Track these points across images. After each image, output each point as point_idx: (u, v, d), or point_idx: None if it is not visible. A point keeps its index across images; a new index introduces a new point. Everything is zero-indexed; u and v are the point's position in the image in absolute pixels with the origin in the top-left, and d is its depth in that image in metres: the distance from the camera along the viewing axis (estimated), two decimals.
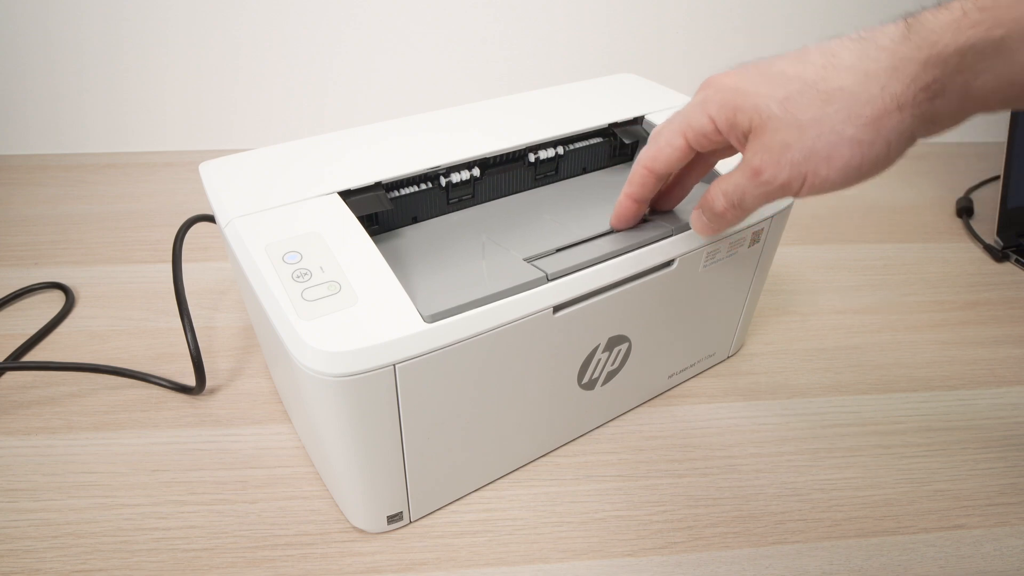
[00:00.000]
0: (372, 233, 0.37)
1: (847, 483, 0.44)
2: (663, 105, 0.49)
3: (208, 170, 0.41)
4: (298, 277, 0.33)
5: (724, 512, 0.42)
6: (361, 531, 0.40)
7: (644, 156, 0.35)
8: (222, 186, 0.39)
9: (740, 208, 0.32)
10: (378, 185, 0.39)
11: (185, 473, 0.43)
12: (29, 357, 0.51)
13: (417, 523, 0.40)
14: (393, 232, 0.41)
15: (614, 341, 0.41)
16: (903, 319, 0.58)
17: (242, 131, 0.81)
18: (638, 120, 0.48)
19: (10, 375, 0.49)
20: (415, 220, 0.42)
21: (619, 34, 0.81)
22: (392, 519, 0.39)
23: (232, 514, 0.40)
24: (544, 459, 0.45)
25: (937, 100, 0.27)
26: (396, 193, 0.40)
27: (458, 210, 0.43)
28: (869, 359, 0.54)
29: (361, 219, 0.37)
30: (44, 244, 0.63)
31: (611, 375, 0.43)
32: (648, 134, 0.48)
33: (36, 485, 0.41)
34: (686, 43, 0.83)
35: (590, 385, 0.43)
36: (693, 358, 0.49)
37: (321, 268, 0.33)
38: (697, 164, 0.38)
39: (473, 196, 0.43)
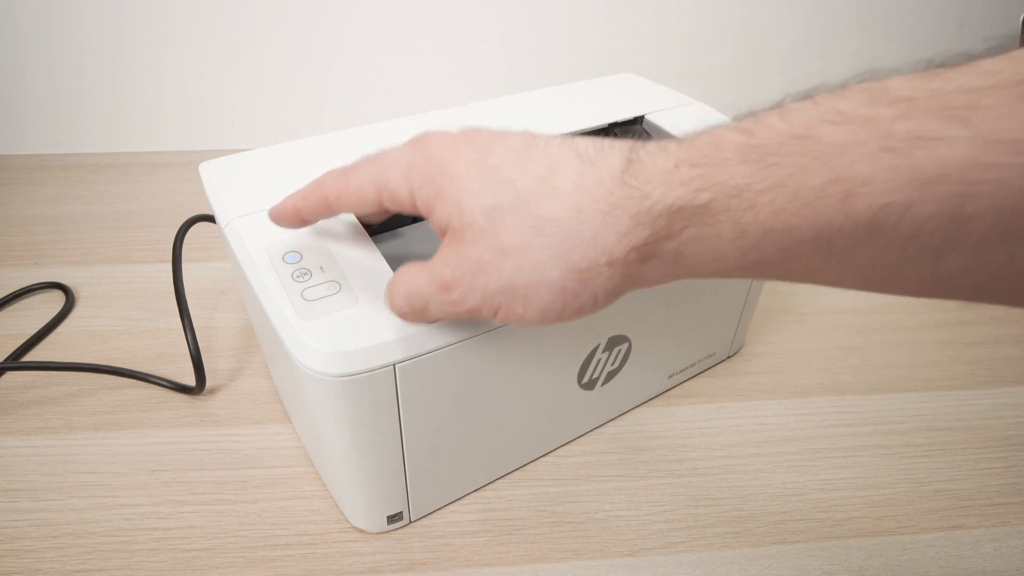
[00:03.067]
0: (372, 233, 0.37)
1: (847, 483, 0.44)
2: (663, 105, 0.49)
3: (208, 170, 0.41)
4: (298, 277, 0.32)
5: (724, 512, 0.42)
6: (361, 531, 0.40)
7: (329, 185, 0.29)
8: (222, 186, 0.39)
9: (422, 315, 0.28)
10: None
11: (185, 473, 0.42)
12: (29, 357, 0.51)
13: (417, 523, 0.40)
14: (393, 232, 0.41)
15: (614, 341, 0.41)
16: (903, 319, 0.58)
17: (242, 131, 0.81)
18: (638, 120, 0.48)
19: (10, 375, 0.49)
20: (415, 220, 0.42)
21: (619, 34, 0.81)
22: (392, 519, 0.39)
23: (232, 514, 0.40)
24: (544, 459, 0.45)
25: (646, 263, 0.24)
26: None
27: None
28: (869, 359, 0.54)
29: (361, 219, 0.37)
30: (44, 244, 0.63)
31: (611, 375, 0.43)
32: (648, 135, 0.48)
33: (36, 485, 0.41)
34: (686, 43, 0.83)
35: (590, 385, 0.43)
36: (693, 358, 0.49)
37: (321, 268, 0.33)
38: None
39: None
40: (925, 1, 0.84)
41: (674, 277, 0.25)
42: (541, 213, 0.24)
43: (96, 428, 0.45)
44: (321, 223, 0.35)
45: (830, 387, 0.51)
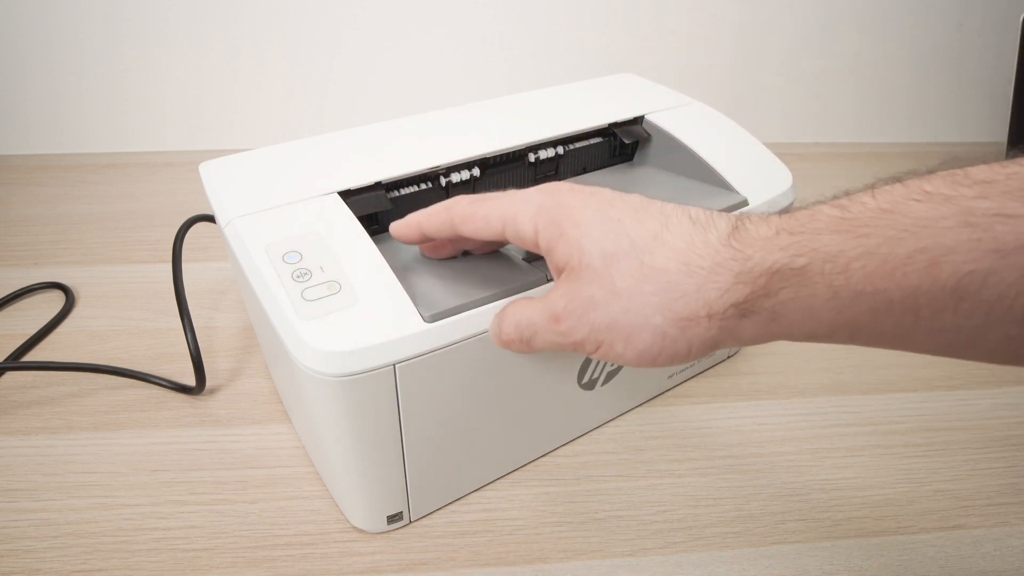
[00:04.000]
0: (372, 233, 0.37)
1: (847, 483, 0.44)
2: (663, 105, 0.49)
3: (208, 170, 0.41)
4: (298, 277, 0.33)
5: (724, 512, 0.42)
6: (361, 531, 0.40)
7: (457, 208, 0.32)
8: (222, 186, 0.39)
9: (528, 345, 0.30)
10: (378, 185, 0.39)
11: (185, 473, 0.43)
12: (29, 357, 0.51)
13: (417, 523, 0.40)
14: None
15: None
16: None
17: (242, 131, 0.81)
18: (638, 120, 0.48)
19: (10, 375, 0.49)
20: None
21: (619, 34, 0.81)
22: (392, 519, 0.39)
23: (232, 514, 0.40)
24: (544, 459, 0.45)
25: (745, 320, 0.26)
26: (396, 193, 0.40)
27: None
28: (869, 359, 0.54)
29: (361, 219, 0.37)
30: (44, 244, 0.63)
31: (611, 375, 0.43)
32: (649, 135, 0.48)
33: (36, 485, 0.41)
34: (686, 43, 0.83)
35: (590, 385, 0.43)
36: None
37: (321, 268, 0.33)
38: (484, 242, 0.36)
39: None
40: (925, 1, 0.84)
41: (769, 336, 0.26)
42: (653, 263, 0.26)
43: (96, 428, 0.45)
44: (321, 223, 0.35)
45: (830, 387, 0.51)
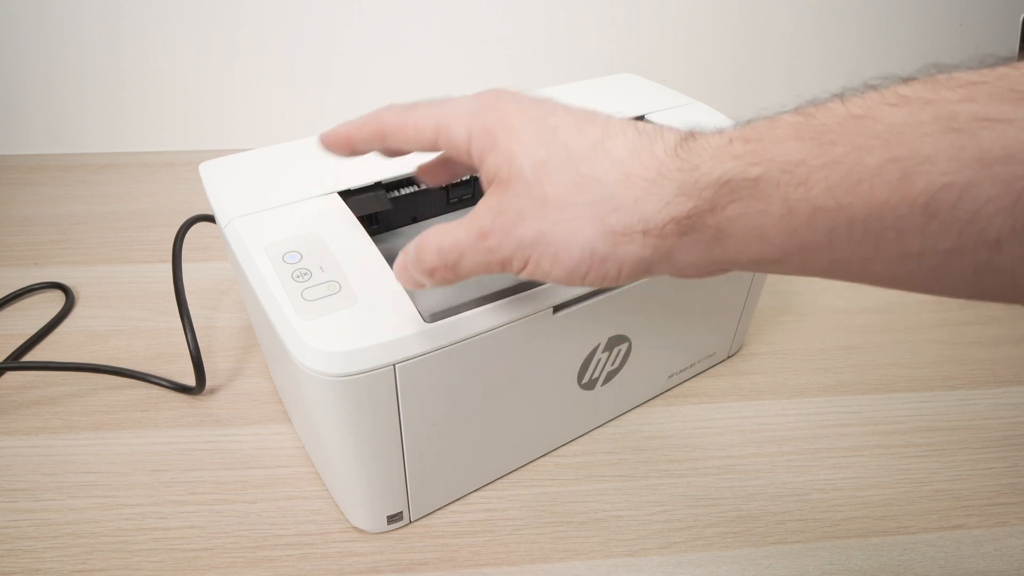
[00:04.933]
0: (372, 233, 0.37)
1: (847, 483, 0.44)
2: (663, 105, 0.49)
3: (208, 170, 0.41)
4: (298, 277, 0.32)
5: (724, 512, 0.42)
6: (361, 531, 0.40)
7: (388, 117, 0.29)
8: (222, 186, 0.39)
9: (453, 271, 0.27)
10: (378, 185, 0.39)
11: (185, 473, 0.43)
12: (29, 357, 0.51)
13: (417, 523, 0.40)
14: (393, 232, 0.41)
15: (614, 341, 0.41)
16: (903, 319, 0.58)
17: (242, 131, 0.81)
18: (638, 120, 0.48)
19: (10, 375, 0.49)
20: (415, 220, 0.42)
21: (619, 34, 0.81)
22: (392, 519, 0.39)
23: (232, 514, 0.40)
24: (544, 459, 0.45)
25: (684, 238, 0.23)
26: (396, 193, 0.40)
27: (458, 210, 0.43)
28: (869, 359, 0.54)
29: (361, 219, 0.37)
30: (44, 244, 0.63)
31: (611, 375, 0.43)
32: None
33: (36, 485, 0.41)
34: (686, 43, 0.83)
35: (590, 385, 0.43)
36: (693, 358, 0.49)
37: (321, 268, 0.33)
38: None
39: (473, 196, 0.43)
40: (925, 1, 0.84)
41: (710, 261, 0.24)
42: (588, 172, 0.24)
43: (96, 428, 0.45)
44: (321, 223, 0.35)
45: (830, 387, 0.51)
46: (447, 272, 0.28)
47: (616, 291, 0.38)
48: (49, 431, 0.45)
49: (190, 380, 0.47)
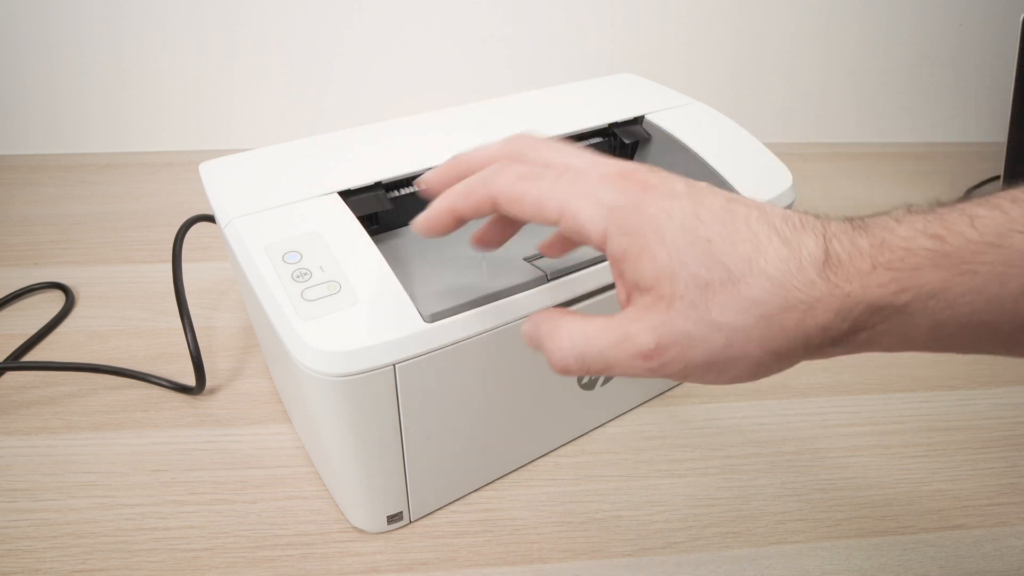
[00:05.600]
0: (372, 233, 0.37)
1: (847, 483, 0.44)
2: (663, 105, 0.49)
3: (208, 170, 0.41)
4: (298, 277, 0.32)
5: (724, 512, 0.42)
6: (361, 531, 0.40)
7: (501, 185, 0.27)
8: (222, 186, 0.39)
9: (588, 373, 0.27)
10: (378, 185, 0.39)
11: (185, 473, 0.42)
12: (29, 357, 0.51)
13: (417, 523, 0.40)
14: (393, 232, 0.41)
15: None
16: None
17: (242, 131, 0.81)
18: (638, 120, 0.48)
19: (10, 375, 0.49)
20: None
21: (619, 34, 0.81)
22: (392, 519, 0.39)
23: (232, 514, 0.40)
24: (544, 459, 0.45)
25: (836, 347, 0.26)
26: (396, 193, 0.40)
27: None
28: (869, 359, 0.54)
29: (361, 219, 0.37)
30: (44, 244, 0.63)
31: (611, 375, 0.43)
32: (648, 135, 0.48)
33: (36, 485, 0.41)
34: (686, 43, 0.83)
35: (590, 385, 0.42)
36: None
37: (321, 268, 0.33)
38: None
39: None
40: (925, 1, 0.84)
41: (850, 353, 0.26)
42: (751, 295, 0.25)
43: (96, 428, 0.45)
44: (321, 223, 0.35)
45: (830, 387, 0.51)
46: (583, 372, 0.27)
47: (616, 291, 0.38)
48: (49, 431, 0.45)
49: (190, 380, 0.47)
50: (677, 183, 0.27)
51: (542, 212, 0.27)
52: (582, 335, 0.27)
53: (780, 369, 0.26)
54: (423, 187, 0.31)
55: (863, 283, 0.24)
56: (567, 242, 0.33)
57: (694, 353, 0.25)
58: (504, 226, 0.32)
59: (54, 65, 0.75)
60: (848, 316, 0.24)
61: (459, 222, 0.29)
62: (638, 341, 0.26)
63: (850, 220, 0.26)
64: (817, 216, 0.26)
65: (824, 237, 0.25)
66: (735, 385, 0.51)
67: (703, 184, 0.28)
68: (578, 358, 0.27)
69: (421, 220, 0.30)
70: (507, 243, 0.38)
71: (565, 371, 0.27)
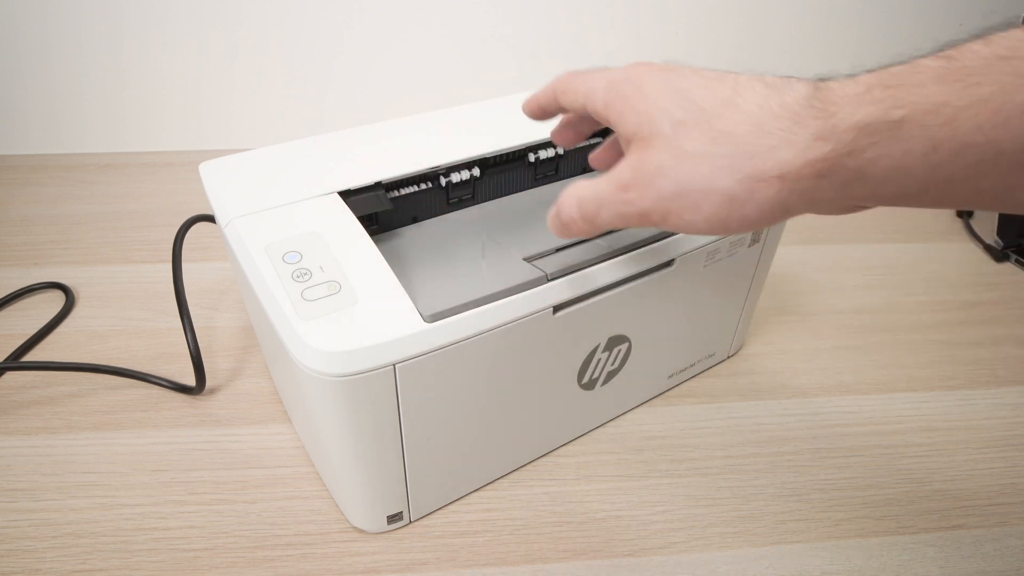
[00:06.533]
0: (372, 233, 0.37)
1: (847, 483, 0.44)
2: None
3: (208, 170, 0.41)
4: (298, 277, 0.33)
5: (724, 512, 0.42)
6: (361, 531, 0.40)
7: (560, 80, 0.34)
8: (222, 186, 0.39)
9: (591, 222, 0.30)
10: (378, 185, 0.39)
11: (185, 473, 0.43)
12: (29, 357, 0.51)
13: (417, 523, 0.40)
14: (393, 232, 0.41)
15: (614, 341, 0.41)
16: (903, 319, 0.58)
17: (242, 131, 0.81)
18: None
19: (10, 375, 0.49)
20: (415, 220, 0.42)
21: (619, 34, 0.81)
22: (392, 519, 0.39)
23: (232, 514, 0.40)
24: (544, 459, 0.45)
25: (823, 180, 0.25)
26: (396, 193, 0.40)
27: (458, 210, 0.43)
28: (869, 359, 0.54)
29: (361, 219, 0.37)
30: (44, 244, 0.63)
31: (611, 375, 0.43)
32: None
33: (36, 485, 0.41)
34: (686, 43, 0.83)
35: (590, 385, 0.43)
36: (693, 358, 0.49)
37: (321, 268, 0.33)
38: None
39: (473, 196, 0.43)
40: (925, 1, 0.84)
41: (849, 198, 0.25)
42: (722, 127, 0.26)
43: (96, 428, 0.45)
44: (321, 223, 0.35)
45: (830, 387, 0.51)
46: (585, 224, 0.30)
47: (616, 291, 0.38)
48: (49, 431, 0.45)
49: (190, 380, 0.47)
50: (681, 65, 0.30)
51: (575, 99, 0.32)
52: (583, 185, 0.30)
53: (761, 210, 0.26)
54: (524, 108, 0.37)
55: (853, 102, 0.24)
56: (571, 125, 0.37)
57: (664, 183, 0.27)
58: (568, 127, 0.37)
59: (54, 65, 0.75)
60: (831, 136, 0.24)
61: (541, 109, 0.36)
62: (620, 175, 0.28)
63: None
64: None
65: (817, 79, 0.26)
66: (735, 385, 0.51)
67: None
68: (578, 202, 0.30)
69: (524, 104, 0.37)
70: (506, 243, 0.38)
71: (570, 221, 0.31)
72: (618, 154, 0.36)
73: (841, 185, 0.25)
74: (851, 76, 0.25)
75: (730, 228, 0.27)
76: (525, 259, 0.37)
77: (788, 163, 0.25)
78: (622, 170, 0.28)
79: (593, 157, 0.37)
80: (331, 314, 0.31)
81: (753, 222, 0.26)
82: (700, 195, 0.26)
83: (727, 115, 0.26)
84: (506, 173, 0.44)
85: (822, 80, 0.26)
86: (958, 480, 0.44)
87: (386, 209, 0.39)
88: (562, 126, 0.37)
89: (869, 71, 0.25)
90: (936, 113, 0.22)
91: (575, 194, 0.30)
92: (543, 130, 0.44)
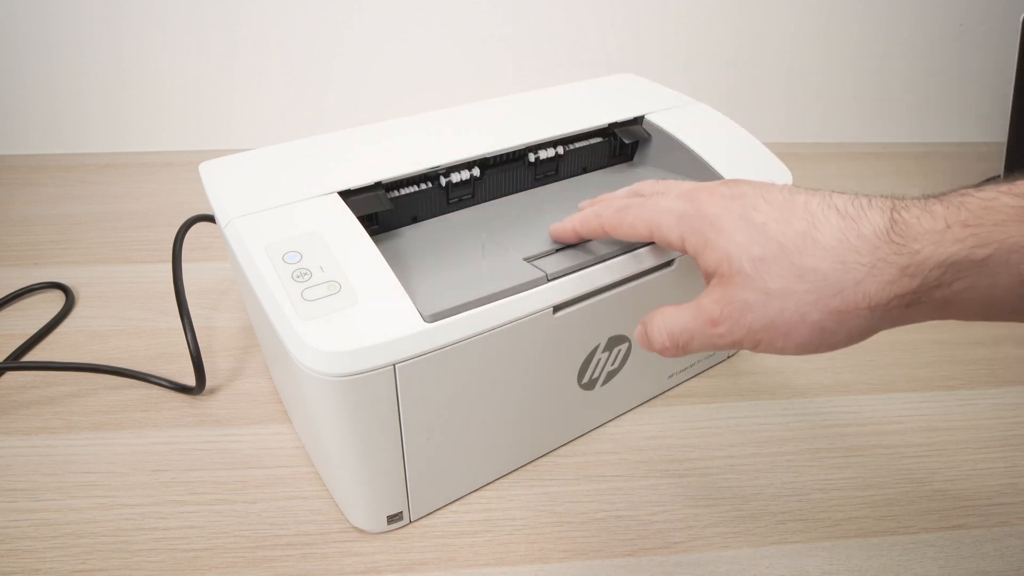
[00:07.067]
0: (372, 233, 0.37)
1: (847, 483, 0.44)
2: (663, 105, 0.49)
3: (208, 170, 0.41)
4: (298, 277, 0.32)
5: (724, 512, 0.42)
6: (361, 531, 0.40)
7: (605, 216, 0.35)
8: (222, 186, 0.39)
9: (683, 350, 0.31)
10: (378, 185, 0.39)
11: (185, 473, 0.43)
12: (29, 357, 0.51)
13: (417, 523, 0.40)
14: (393, 232, 0.41)
15: (614, 341, 0.41)
16: None
17: (242, 131, 0.81)
18: (638, 120, 0.48)
19: (10, 375, 0.49)
20: (415, 220, 0.42)
21: (619, 34, 0.81)
22: (392, 519, 0.39)
23: (232, 514, 0.40)
24: (544, 459, 0.45)
25: (910, 309, 0.26)
26: (396, 193, 0.40)
27: (458, 210, 0.43)
28: (869, 359, 0.54)
29: (361, 219, 0.37)
30: (44, 244, 0.63)
31: (611, 375, 0.43)
32: (648, 135, 0.48)
33: (36, 485, 0.41)
34: (686, 43, 0.83)
35: (590, 385, 0.43)
36: (693, 358, 0.49)
37: (321, 268, 0.33)
38: None
39: (473, 196, 0.43)
40: (925, 1, 0.84)
41: (935, 318, 0.27)
42: (804, 264, 0.27)
43: (96, 428, 0.45)
44: (321, 223, 0.35)
45: (830, 387, 0.51)
46: (676, 351, 0.31)
47: (616, 291, 0.38)
48: (49, 431, 0.45)
49: (190, 380, 0.47)
50: (744, 185, 0.31)
51: (636, 232, 0.33)
52: (671, 316, 0.31)
53: (851, 335, 0.27)
54: (555, 233, 0.38)
55: (936, 241, 0.25)
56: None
57: (753, 317, 0.28)
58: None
59: (54, 65, 0.75)
60: (918, 273, 0.25)
61: (579, 240, 0.37)
62: (708, 311, 0.29)
63: (924, 195, 0.27)
64: (888, 196, 0.27)
65: (891, 209, 0.27)
66: (735, 385, 0.51)
67: (771, 183, 0.31)
68: (669, 335, 0.31)
69: (553, 229, 0.38)
70: (506, 244, 0.38)
71: (663, 351, 0.31)
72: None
73: (928, 312, 0.26)
74: (923, 206, 0.26)
75: (821, 350, 0.28)
76: (525, 259, 0.37)
77: (875, 296, 0.26)
78: (709, 306, 0.29)
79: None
80: (331, 314, 0.31)
81: (844, 344, 0.28)
82: (790, 327, 0.27)
83: (807, 251, 0.27)
84: (506, 173, 0.44)
85: (895, 209, 0.27)
86: (958, 480, 0.44)
87: (386, 209, 0.39)
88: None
89: (938, 200, 0.26)
90: (1020, 253, 0.23)
91: (664, 327, 0.31)
92: (543, 130, 0.45)
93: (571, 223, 0.37)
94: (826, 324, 0.27)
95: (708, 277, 0.30)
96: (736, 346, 0.29)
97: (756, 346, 0.29)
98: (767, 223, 0.28)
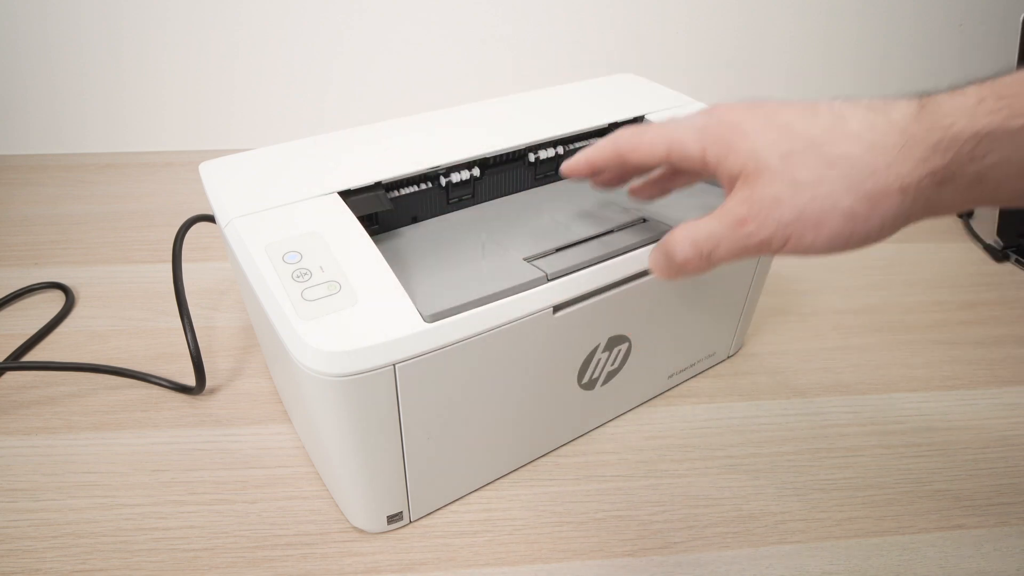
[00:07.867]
0: (372, 233, 0.37)
1: (847, 483, 0.44)
2: (663, 105, 0.49)
3: (208, 170, 0.41)
4: (298, 277, 0.32)
5: (724, 512, 0.42)
6: (361, 531, 0.40)
7: (622, 139, 0.33)
8: (222, 186, 0.39)
9: (708, 260, 0.30)
10: (378, 185, 0.39)
11: (185, 473, 0.43)
12: (29, 357, 0.51)
13: (417, 523, 0.40)
14: (393, 232, 0.41)
15: (614, 341, 0.41)
16: (903, 319, 0.58)
17: (242, 131, 0.81)
18: (638, 120, 0.48)
19: (10, 375, 0.49)
20: (415, 220, 0.42)
21: (619, 34, 0.81)
22: (392, 519, 0.39)
23: (232, 514, 0.40)
24: (544, 459, 0.45)
25: (943, 187, 0.26)
26: (396, 193, 0.40)
27: (458, 210, 0.43)
28: (869, 359, 0.54)
29: (361, 219, 0.37)
30: (44, 244, 0.63)
31: (611, 375, 0.43)
32: None
33: (36, 485, 0.41)
34: (686, 43, 0.83)
35: (590, 385, 0.43)
36: (693, 358, 0.49)
37: (321, 268, 0.33)
38: (680, 174, 0.37)
39: (473, 196, 0.43)
40: (925, 1, 0.84)
41: (970, 201, 0.26)
42: (834, 152, 0.26)
43: (96, 428, 0.45)
44: (321, 223, 0.35)
45: (830, 387, 0.51)
46: (701, 262, 0.30)
47: (616, 291, 0.38)
48: (49, 431, 0.45)
49: (190, 380, 0.47)
50: (766, 100, 0.30)
51: (653, 151, 0.32)
52: (694, 225, 0.30)
53: (884, 223, 0.27)
54: (568, 168, 0.36)
55: (969, 114, 0.25)
56: (658, 182, 0.37)
57: (783, 211, 0.27)
58: (655, 184, 0.38)
59: (54, 65, 0.75)
60: (951, 147, 0.25)
61: (594, 171, 0.35)
62: (734, 212, 0.28)
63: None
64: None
65: (919, 96, 0.26)
66: (735, 385, 0.51)
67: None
68: (693, 243, 0.29)
69: (564, 165, 0.36)
70: (506, 244, 0.38)
71: (686, 263, 0.30)
72: (660, 189, 0.38)
73: (963, 189, 0.26)
74: (955, 89, 0.26)
75: (851, 244, 0.27)
76: (525, 259, 0.37)
77: (908, 175, 0.25)
78: (735, 207, 0.28)
79: (634, 189, 0.38)
80: (331, 314, 0.31)
81: (876, 236, 0.27)
82: (821, 215, 0.27)
83: (836, 140, 0.27)
84: (506, 173, 0.44)
85: (923, 95, 0.26)
86: (958, 480, 0.44)
87: (386, 209, 0.39)
88: (649, 184, 0.38)
89: (977, 84, 0.26)
90: None
91: (688, 236, 0.30)
92: (543, 130, 0.45)
93: (583, 154, 0.35)
94: (858, 209, 0.26)
95: (731, 184, 0.29)
96: (764, 246, 0.28)
97: (786, 242, 0.28)
98: (792, 122, 0.28)
